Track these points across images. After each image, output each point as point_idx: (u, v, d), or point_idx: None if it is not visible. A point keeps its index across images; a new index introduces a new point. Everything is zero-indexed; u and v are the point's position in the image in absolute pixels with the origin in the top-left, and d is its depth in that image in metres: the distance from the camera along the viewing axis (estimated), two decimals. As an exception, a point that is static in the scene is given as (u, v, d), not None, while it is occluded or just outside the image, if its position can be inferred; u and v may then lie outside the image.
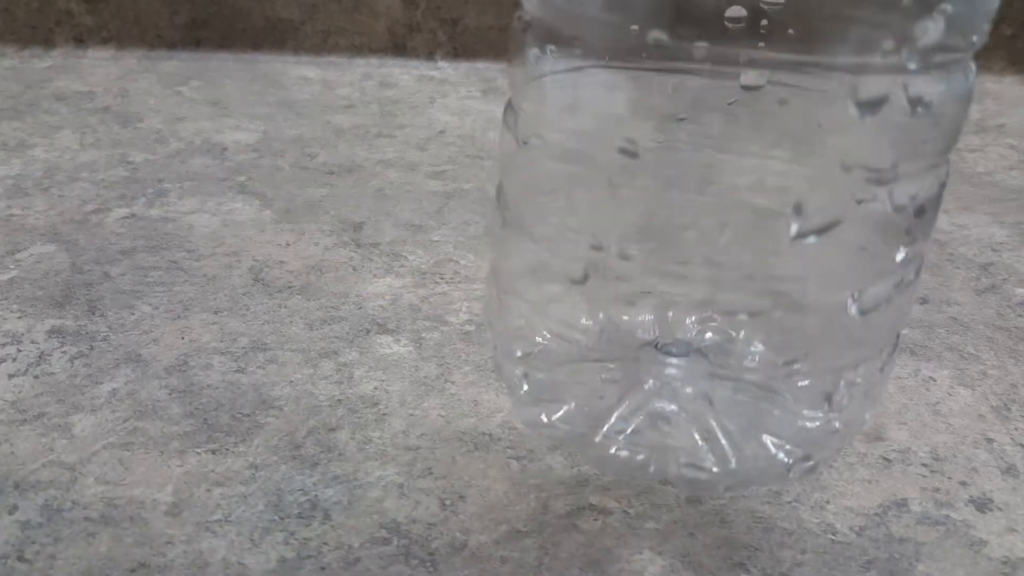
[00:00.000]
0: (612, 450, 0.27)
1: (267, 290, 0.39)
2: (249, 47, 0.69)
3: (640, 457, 0.26)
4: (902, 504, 0.29)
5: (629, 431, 0.27)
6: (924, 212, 0.24)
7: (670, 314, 0.27)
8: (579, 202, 0.25)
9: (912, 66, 0.22)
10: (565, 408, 0.27)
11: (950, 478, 0.30)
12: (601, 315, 0.27)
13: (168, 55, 0.68)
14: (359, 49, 0.69)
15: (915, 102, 0.22)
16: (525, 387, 0.28)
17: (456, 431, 0.31)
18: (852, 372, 0.25)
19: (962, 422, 0.33)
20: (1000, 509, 0.29)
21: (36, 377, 0.33)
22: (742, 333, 0.27)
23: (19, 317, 0.36)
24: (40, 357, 0.34)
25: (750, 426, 0.26)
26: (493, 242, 0.28)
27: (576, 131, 0.24)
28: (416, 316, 0.37)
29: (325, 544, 0.27)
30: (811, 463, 0.26)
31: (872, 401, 0.27)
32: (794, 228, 0.23)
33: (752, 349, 0.27)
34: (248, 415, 0.32)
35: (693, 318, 0.27)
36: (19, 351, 0.35)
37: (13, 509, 0.28)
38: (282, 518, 0.28)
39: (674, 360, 0.27)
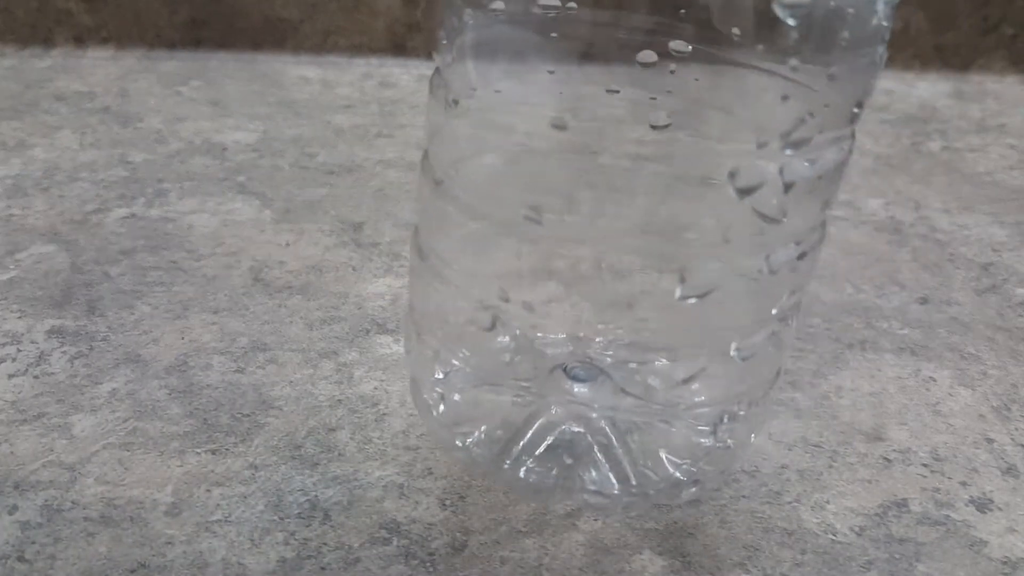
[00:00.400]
0: (521, 474, 0.28)
1: (267, 290, 0.39)
2: (249, 47, 0.69)
3: (548, 481, 0.28)
4: (902, 504, 0.29)
5: (537, 454, 0.28)
6: (800, 280, 0.26)
7: (581, 334, 0.28)
8: (487, 248, 0.27)
9: (788, 152, 0.23)
10: (477, 432, 0.29)
11: (950, 478, 0.30)
12: (518, 331, 0.28)
13: (168, 55, 0.68)
14: (359, 49, 0.69)
15: (788, 186, 0.24)
16: (441, 408, 0.29)
17: (456, 431, 0.31)
18: (735, 407, 0.28)
19: (962, 422, 0.33)
20: (1000, 509, 0.29)
21: (36, 377, 0.33)
22: (648, 354, 0.28)
23: (19, 317, 0.36)
24: (40, 357, 0.34)
25: (651, 445, 0.28)
26: (411, 276, 0.29)
27: (500, 96, 0.25)
28: (416, 316, 0.37)
29: (325, 544, 0.27)
30: (696, 487, 0.28)
31: (756, 429, 0.29)
32: (678, 292, 0.25)
33: (656, 364, 0.28)
34: (248, 415, 0.32)
35: (604, 339, 0.28)
36: (19, 351, 0.35)
37: (13, 509, 0.28)
38: (282, 518, 0.28)
39: (581, 382, 0.28)
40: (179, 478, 0.29)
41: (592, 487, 0.28)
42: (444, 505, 0.28)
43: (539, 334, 0.29)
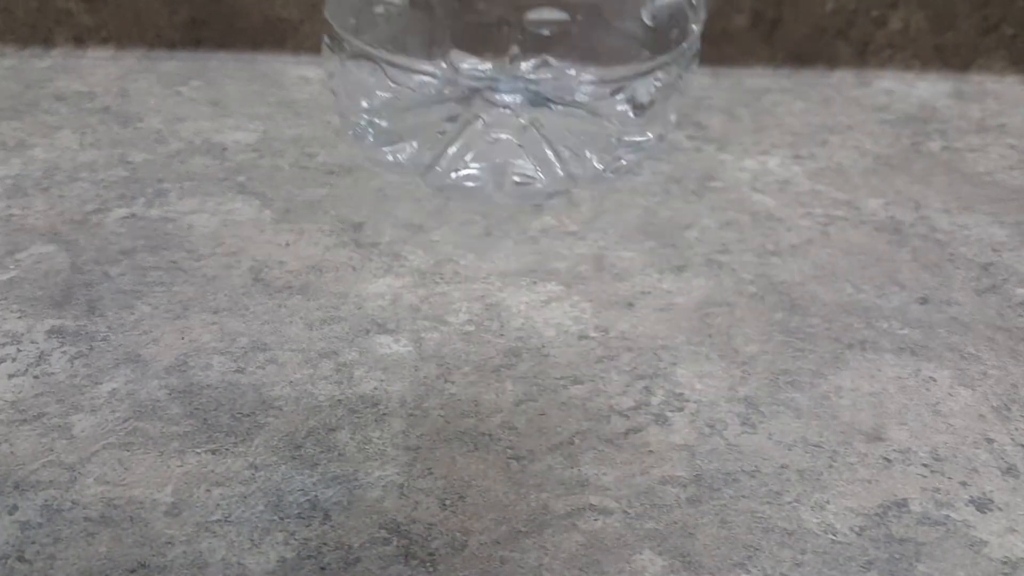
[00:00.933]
0: (452, 176, 0.28)
1: (267, 290, 0.39)
2: (249, 47, 0.69)
3: (478, 179, 0.28)
4: (902, 504, 0.29)
5: (468, 158, 0.29)
6: None
7: (508, 59, 0.29)
8: None
9: None
10: (408, 146, 0.29)
11: (950, 478, 0.30)
12: (443, 64, 0.29)
13: (168, 55, 0.68)
14: (359, 49, 0.69)
15: None
16: (371, 133, 0.29)
17: (456, 431, 0.31)
18: (650, 81, 0.29)
19: (962, 422, 0.33)
20: (1000, 509, 0.29)
21: (36, 377, 0.33)
22: (574, 71, 0.29)
23: (19, 317, 0.36)
24: (40, 357, 0.34)
25: (576, 144, 0.29)
26: None
27: None
28: (416, 316, 0.37)
29: (325, 544, 0.27)
30: (622, 162, 0.30)
31: (673, 109, 0.30)
32: None
33: (582, 79, 0.29)
34: (248, 415, 0.32)
35: (529, 63, 0.29)
36: (19, 351, 0.35)
37: (13, 509, 0.28)
38: (282, 518, 0.28)
39: (507, 97, 0.29)
40: (179, 478, 0.29)
41: (519, 174, 0.28)
42: (444, 505, 0.28)
43: (464, 65, 0.29)
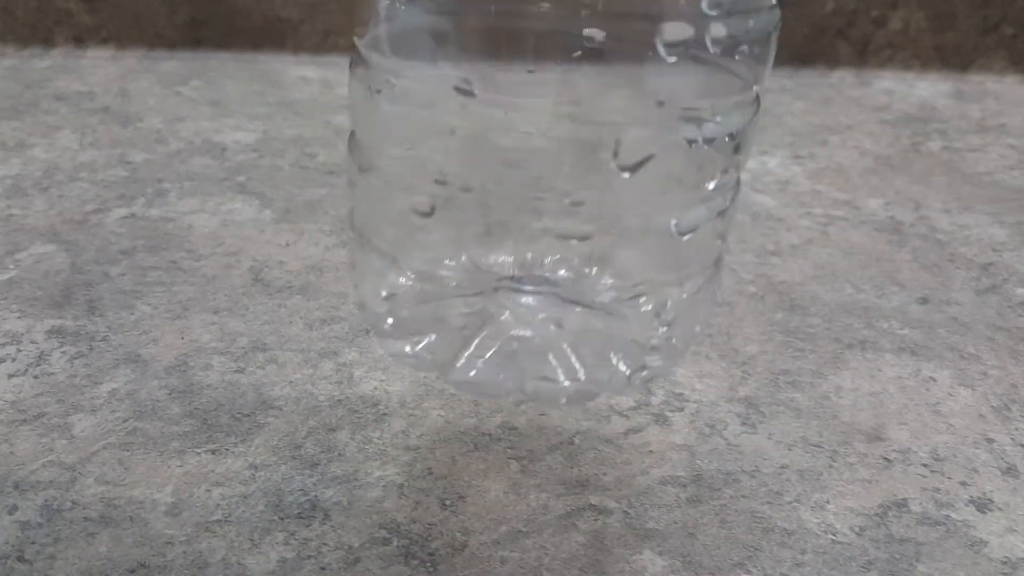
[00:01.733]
0: (471, 373, 0.28)
1: (267, 290, 0.39)
2: (249, 47, 0.69)
3: (498, 378, 0.29)
4: (902, 504, 0.29)
5: (488, 356, 0.29)
6: (736, 146, 0.27)
7: (529, 255, 0.29)
8: (423, 141, 0.28)
9: (711, 12, 0.24)
10: (427, 340, 0.29)
11: (950, 478, 0.30)
12: (463, 256, 0.29)
13: (168, 55, 0.68)
14: (359, 49, 0.69)
15: (716, 42, 0.25)
16: (390, 321, 0.29)
17: (456, 431, 0.31)
18: (678, 289, 0.28)
19: (962, 422, 0.33)
20: (1000, 509, 0.29)
21: (36, 377, 0.33)
22: (595, 270, 0.29)
23: (19, 317, 0.36)
24: (40, 357, 0.34)
25: (598, 346, 0.29)
26: (350, 188, 0.29)
27: (417, 75, 0.26)
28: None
29: (325, 544, 0.27)
30: (647, 371, 0.29)
31: (700, 318, 0.30)
32: (613, 164, 0.25)
33: (602, 282, 0.29)
34: (248, 415, 0.32)
35: (551, 259, 0.29)
36: (19, 351, 0.35)
37: (13, 509, 0.28)
38: (282, 518, 0.28)
39: (529, 291, 0.29)
40: (179, 478, 0.29)
41: (540, 376, 0.28)
42: (444, 505, 0.28)
43: (485, 258, 0.29)
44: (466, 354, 0.29)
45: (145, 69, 0.65)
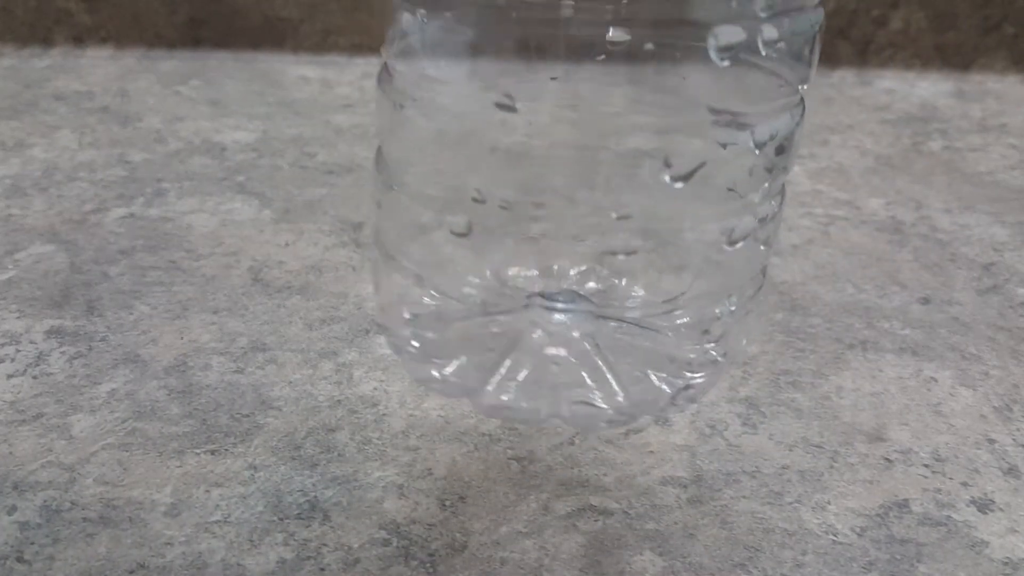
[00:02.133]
0: (504, 398, 0.27)
1: (266, 290, 0.39)
2: (248, 46, 0.69)
3: (532, 402, 0.27)
4: (903, 505, 0.29)
5: (520, 378, 0.27)
6: (783, 149, 0.26)
7: (555, 267, 0.28)
8: (459, 158, 0.26)
9: (762, 14, 0.24)
10: (456, 363, 0.28)
11: (951, 479, 0.30)
12: (488, 273, 0.28)
13: (167, 54, 0.68)
14: (359, 48, 0.69)
15: (768, 44, 0.24)
16: (414, 345, 0.28)
17: (456, 431, 0.31)
18: (725, 303, 0.27)
19: (964, 423, 0.33)
20: (1002, 510, 0.29)
21: (35, 377, 0.33)
22: (624, 281, 0.28)
23: (17, 317, 0.36)
24: (39, 357, 0.34)
25: (635, 363, 0.27)
26: (376, 206, 0.28)
27: (451, 90, 0.25)
28: (416, 316, 0.37)
29: (325, 545, 0.27)
30: (691, 391, 0.28)
31: (748, 334, 0.29)
32: (665, 175, 0.25)
33: (633, 293, 0.28)
34: (247, 415, 0.32)
35: (577, 271, 0.28)
36: (18, 351, 0.34)
37: (12, 510, 0.28)
38: (281, 519, 0.28)
39: (560, 308, 0.28)
40: (178, 479, 0.29)
41: (578, 400, 0.27)
42: (444, 505, 0.28)
43: (511, 272, 0.28)
44: (497, 378, 0.27)
45: (144, 69, 0.65)
